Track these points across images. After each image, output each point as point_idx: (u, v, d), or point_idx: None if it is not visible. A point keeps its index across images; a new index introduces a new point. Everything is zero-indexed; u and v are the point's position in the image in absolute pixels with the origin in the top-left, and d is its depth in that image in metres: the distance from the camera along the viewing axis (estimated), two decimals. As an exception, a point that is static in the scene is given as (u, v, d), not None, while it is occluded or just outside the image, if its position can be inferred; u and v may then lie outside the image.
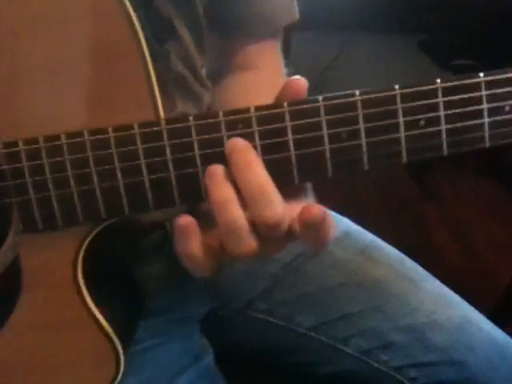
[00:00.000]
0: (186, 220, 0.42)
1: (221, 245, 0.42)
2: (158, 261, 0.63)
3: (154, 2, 0.53)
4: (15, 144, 0.44)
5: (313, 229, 0.41)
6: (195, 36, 0.61)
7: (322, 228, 0.41)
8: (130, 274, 0.56)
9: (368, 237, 0.71)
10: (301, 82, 0.42)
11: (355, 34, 1.92)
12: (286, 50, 0.72)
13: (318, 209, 0.40)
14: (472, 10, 1.75)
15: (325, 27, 1.82)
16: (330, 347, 0.67)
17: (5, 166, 0.44)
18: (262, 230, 0.41)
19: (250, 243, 0.41)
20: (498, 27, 1.75)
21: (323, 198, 0.46)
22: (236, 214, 0.41)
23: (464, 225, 1.77)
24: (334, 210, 0.66)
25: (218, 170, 0.42)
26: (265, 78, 0.67)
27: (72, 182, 0.44)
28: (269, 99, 0.43)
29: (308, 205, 0.41)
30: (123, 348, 0.49)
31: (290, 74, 0.68)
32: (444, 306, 0.66)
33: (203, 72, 0.65)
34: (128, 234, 0.56)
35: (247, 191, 0.41)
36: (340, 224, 0.72)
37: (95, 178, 0.44)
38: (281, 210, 0.41)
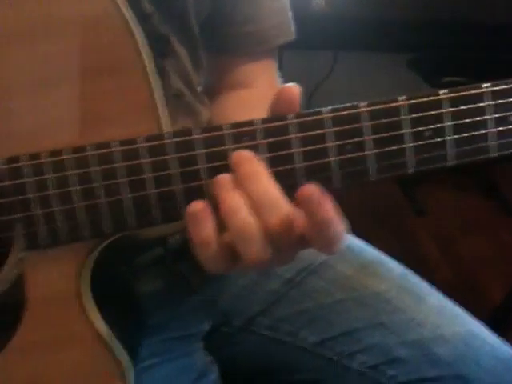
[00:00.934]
0: (198, 206, 0.41)
1: (233, 251, 0.41)
2: (158, 277, 0.62)
3: (151, 19, 0.53)
4: (17, 159, 0.43)
5: (313, 209, 0.39)
6: (191, 53, 0.61)
7: (322, 208, 0.39)
8: (132, 289, 0.55)
9: (371, 252, 0.71)
10: (293, 89, 0.42)
11: (346, 53, 1.93)
12: (278, 68, 0.72)
13: (311, 186, 0.39)
14: (460, 26, 1.78)
15: (316, 46, 1.83)
16: (334, 364, 0.66)
17: (7, 183, 0.44)
18: (274, 236, 0.41)
19: (262, 250, 0.41)
20: (488, 43, 1.77)
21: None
22: (248, 219, 0.40)
23: (452, 238, 1.78)
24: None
25: (226, 178, 0.42)
26: (260, 95, 0.67)
27: (76, 197, 0.43)
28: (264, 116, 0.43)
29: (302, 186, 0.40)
30: (130, 364, 0.48)
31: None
32: (449, 320, 0.65)
33: (200, 89, 0.65)
34: (129, 249, 0.55)
35: (255, 200, 0.41)
36: None
37: (100, 193, 0.43)
38: (290, 213, 0.40)
